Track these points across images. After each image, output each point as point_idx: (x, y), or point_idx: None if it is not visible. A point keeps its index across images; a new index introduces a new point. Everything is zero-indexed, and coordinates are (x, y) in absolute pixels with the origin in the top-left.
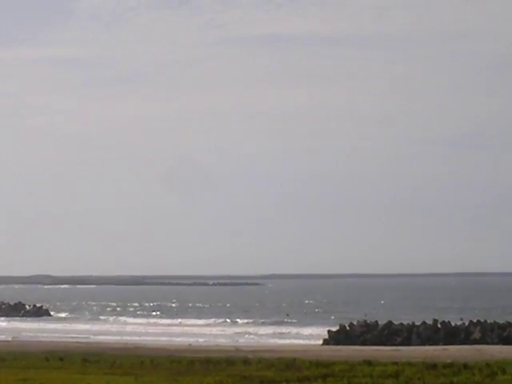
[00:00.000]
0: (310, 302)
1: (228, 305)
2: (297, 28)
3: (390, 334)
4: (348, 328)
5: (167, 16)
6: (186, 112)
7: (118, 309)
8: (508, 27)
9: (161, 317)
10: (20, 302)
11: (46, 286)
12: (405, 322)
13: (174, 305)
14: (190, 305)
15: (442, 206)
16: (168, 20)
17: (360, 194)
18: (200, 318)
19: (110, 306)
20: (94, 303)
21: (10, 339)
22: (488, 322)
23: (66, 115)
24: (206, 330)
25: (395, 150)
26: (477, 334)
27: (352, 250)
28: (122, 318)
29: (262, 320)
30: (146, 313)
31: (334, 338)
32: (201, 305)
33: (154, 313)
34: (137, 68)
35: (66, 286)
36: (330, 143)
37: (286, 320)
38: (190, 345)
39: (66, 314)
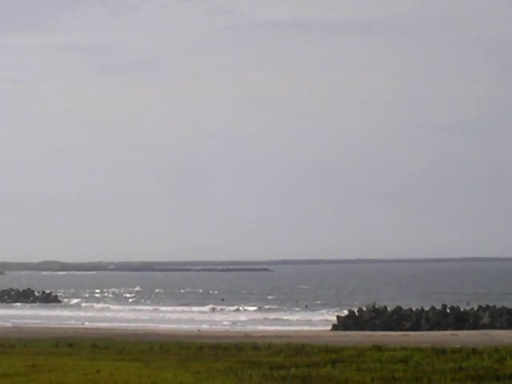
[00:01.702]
0: (318, 287)
1: (235, 290)
2: (305, 14)
3: (399, 319)
4: (357, 313)
5: (176, 2)
6: (191, 97)
7: (114, 294)
8: (508, 13)
9: (159, 304)
10: (29, 289)
11: (54, 273)
12: (414, 308)
13: (182, 290)
14: (201, 290)
15: (445, 191)
16: (176, 6)
17: (364, 179)
18: (206, 304)
19: (112, 293)
20: (98, 290)
21: (10, 326)
22: (497, 306)
23: (72, 103)
24: (212, 317)
25: (398, 135)
26: (486, 319)
27: (358, 236)
28: (114, 306)
29: (271, 306)
30: (143, 300)
31: (342, 324)
32: (212, 291)
33: (131, 299)
34: (144, 55)
35: (75, 272)
36: (335, 129)
37: (294, 305)
38: (199, 331)
39: (74, 300)
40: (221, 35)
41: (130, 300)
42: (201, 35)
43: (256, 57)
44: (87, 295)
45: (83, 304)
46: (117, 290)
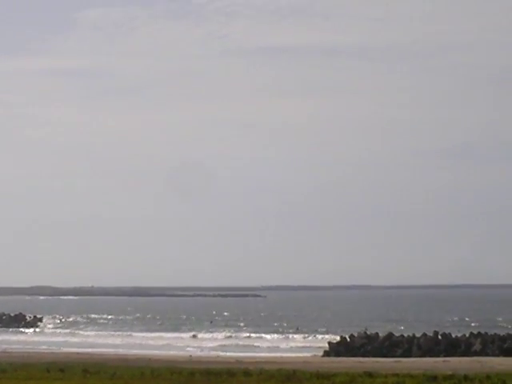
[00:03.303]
0: (310, 313)
1: (224, 315)
2: (299, 39)
3: (391, 345)
4: (348, 339)
5: (170, 27)
6: (187, 123)
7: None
8: (507, 40)
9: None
10: (20, 313)
11: (46, 298)
12: (405, 334)
13: (158, 317)
14: (185, 316)
15: (444, 217)
16: (170, 31)
17: (361, 205)
18: (180, 331)
19: (87, 318)
20: (76, 316)
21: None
22: (488, 333)
23: (67, 126)
24: (178, 342)
25: (397, 161)
26: (477, 346)
27: (353, 262)
28: (84, 332)
29: (262, 332)
30: (125, 326)
31: (334, 350)
32: (190, 317)
33: (103, 325)
34: (139, 79)
35: (66, 297)
36: (331, 154)
37: (285, 331)
38: (190, 356)
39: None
40: (216, 60)
41: (102, 325)
42: (195, 60)
43: (252, 82)
44: (58, 321)
45: (46, 330)
46: (94, 316)
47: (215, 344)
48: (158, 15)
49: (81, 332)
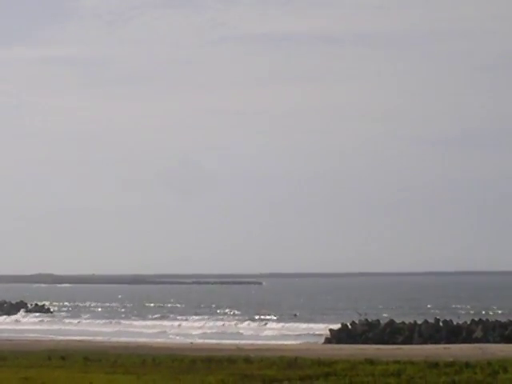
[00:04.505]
0: (311, 300)
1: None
2: (297, 26)
3: (392, 332)
4: (350, 327)
5: (168, 15)
6: (186, 111)
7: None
8: (506, 27)
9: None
10: (22, 301)
11: (47, 285)
12: (406, 321)
13: (152, 304)
14: (169, 305)
15: (443, 205)
16: (169, 19)
17: (361, 192)
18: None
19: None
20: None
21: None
22: (490, 320)
23: (65, 115)
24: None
25: (395, 148)
26: (478, 333)
27: (353, 249)
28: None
29: (264, 319)
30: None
31: (335, 337)
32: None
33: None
34: (138, 67)
35: (67, 284)
36: (331, 142)
37: (288, 318)
38: (191, 343)
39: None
40: (214, 48)
41: (93, 313)
42: (193, 48)
43: (251, 70)
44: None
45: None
46: (85, 304)
47: (200, 332)
48: (157, 3)
49: (68, 320)
